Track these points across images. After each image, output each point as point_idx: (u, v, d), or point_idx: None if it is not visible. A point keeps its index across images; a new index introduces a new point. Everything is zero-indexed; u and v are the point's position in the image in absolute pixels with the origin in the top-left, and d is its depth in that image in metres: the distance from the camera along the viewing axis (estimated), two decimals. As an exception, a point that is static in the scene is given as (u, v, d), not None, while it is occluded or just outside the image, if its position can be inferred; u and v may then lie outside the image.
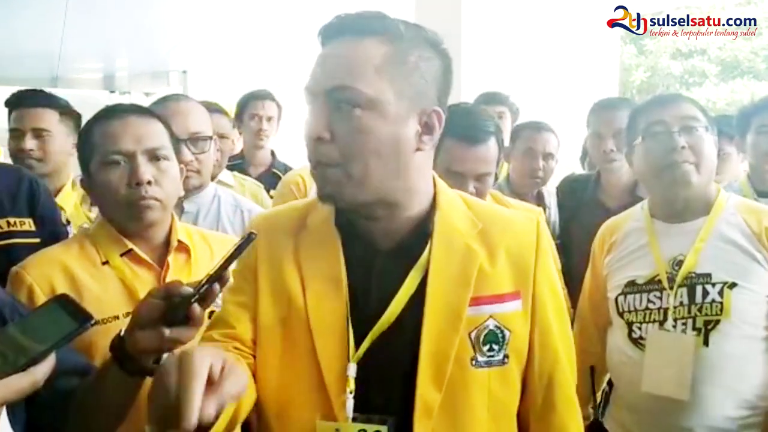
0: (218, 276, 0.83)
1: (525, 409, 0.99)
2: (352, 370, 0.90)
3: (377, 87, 0.87)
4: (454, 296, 0.92)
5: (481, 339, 0.92)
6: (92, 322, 0.75)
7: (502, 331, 0.93)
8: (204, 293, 0.83)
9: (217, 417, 0.70)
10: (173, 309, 0.84)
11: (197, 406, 0.67)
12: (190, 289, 0.83)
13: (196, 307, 0.83)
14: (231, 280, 0.91)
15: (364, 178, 0.89)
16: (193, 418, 0.66)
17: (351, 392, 0.89)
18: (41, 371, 0.70)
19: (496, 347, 0.93)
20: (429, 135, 0.94)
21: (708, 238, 1.48)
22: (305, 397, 0.92)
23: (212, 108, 2.27)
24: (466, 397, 0.91)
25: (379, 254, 0.95)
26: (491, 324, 0.93)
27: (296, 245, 0.98)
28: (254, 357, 0.96)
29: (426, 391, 0.89)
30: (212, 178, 2.08)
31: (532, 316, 0.97)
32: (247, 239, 0.83)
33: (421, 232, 0.95)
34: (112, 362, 0.91)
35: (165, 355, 0.92)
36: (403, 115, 0.90)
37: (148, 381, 0.98)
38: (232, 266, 0.85)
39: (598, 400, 1.70)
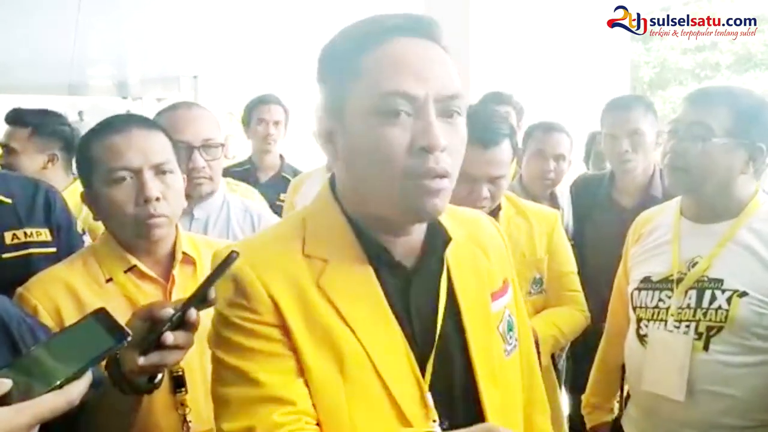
0: (197, 299, 0.80)
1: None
2: (430, 399, 0.86)
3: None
4: (479, 296, 0.94)
5: (505, 330, 0.96)
6: (129, 338, 0.74)
7: (512, 319, 0.98)
8: (179, 319, 0.80)
9: None
10: (148, 334, 0.81)
11: None
12: (171, 311, 0.81)
13: (168, 335, 0.80)
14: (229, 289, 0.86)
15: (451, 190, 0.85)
16: None
17: (435, 421, 0.86)
18: (77, 389, 0.69)
19: (512, 334, 0.98)
20: None
21: (727, 244, 1.42)
22: None
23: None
24: (509, 386, 0.94)
25: (408, 274, 0.91)
26: (507, 314, 0.97)
27: (313, 280, 0.87)
28: (317, 423, 0.88)
29: (489, 392, 0.90)
30: None
31: (515, 302, 1.02)
32: (228, 259, 0.79)
33: (432, 241, 0.93)
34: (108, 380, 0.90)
35: (159, 375, 0.91)
36: None
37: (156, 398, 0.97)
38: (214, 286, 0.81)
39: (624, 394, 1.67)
